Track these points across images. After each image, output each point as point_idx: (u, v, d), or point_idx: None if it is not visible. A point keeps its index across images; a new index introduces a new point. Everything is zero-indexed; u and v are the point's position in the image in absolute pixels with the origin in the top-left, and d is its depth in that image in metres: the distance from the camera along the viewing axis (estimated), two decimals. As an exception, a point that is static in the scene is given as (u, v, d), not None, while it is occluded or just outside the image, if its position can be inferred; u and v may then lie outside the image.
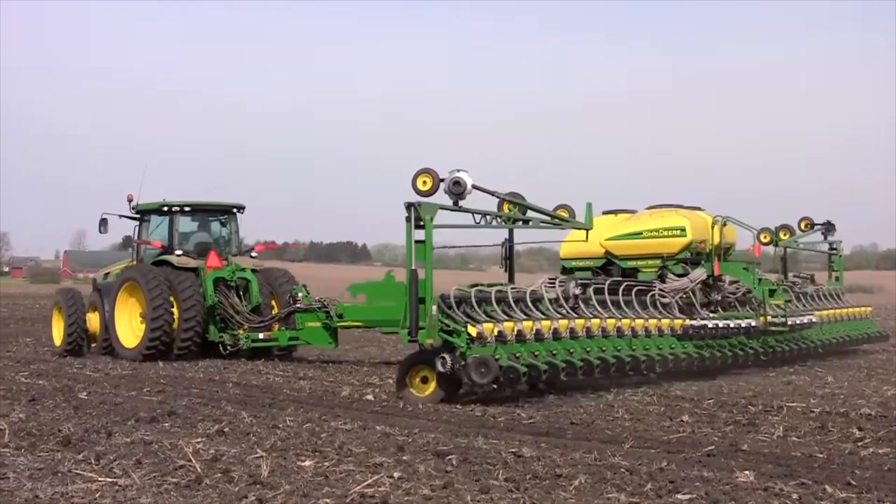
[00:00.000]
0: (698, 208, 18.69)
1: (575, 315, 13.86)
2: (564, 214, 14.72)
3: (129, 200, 20.52)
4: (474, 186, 12.80)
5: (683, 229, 17.85)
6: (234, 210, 20.97)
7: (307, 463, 8.19)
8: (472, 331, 12.29)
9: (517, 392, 13.09)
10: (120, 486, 7.40)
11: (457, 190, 12.67)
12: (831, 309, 20.46)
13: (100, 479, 7.62)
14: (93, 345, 20.20)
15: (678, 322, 15.41)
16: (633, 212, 19.69)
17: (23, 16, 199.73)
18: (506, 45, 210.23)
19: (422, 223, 12.30)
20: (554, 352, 12.98)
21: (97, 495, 7.14)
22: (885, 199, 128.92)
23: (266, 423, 10.45)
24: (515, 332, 12.75)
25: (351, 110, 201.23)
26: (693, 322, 15.54)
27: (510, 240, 15.27)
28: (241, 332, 18.80)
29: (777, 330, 17.27)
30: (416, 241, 12.30)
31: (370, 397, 12.98)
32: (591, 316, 14.08)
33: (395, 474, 7.70)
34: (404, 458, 8.48)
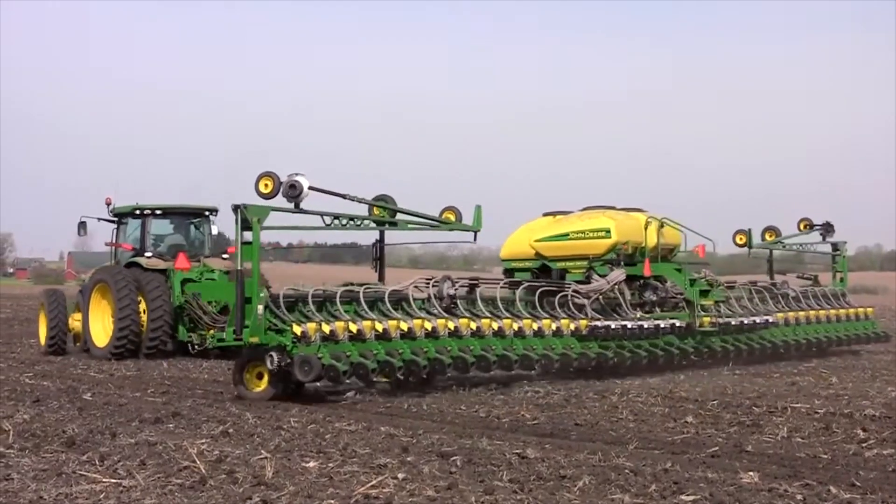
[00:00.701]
0: (638, 209, 18.76)
1: (444, 315, 14.26)
2: (451, 217, 15.16)
3: (108, 204, 21.27)
4: (311, 188, 13.20)
5: (608, 231, 17.94)
6: (207, 213, 21.55)
7: (311, 464, 8.20)
8: (297, 330, 12.70)
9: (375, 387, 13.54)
10: (124, 487, 7.41)
11: (292, 193, 13.12)
12: (813, 310, 20.26)
13: (104, 480, 7.63)
14: (77, 344, 20.61)
15: (583, 322, 15.56)
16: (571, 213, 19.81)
17: (23, 16, 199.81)
18: (506, 45, 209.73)
19: (249, 225, 12.73)
20: (400, 350, 13.31)
21: (101, 496, 7.15)
22: (890, 200, 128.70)
23: (270, 424, 10.47)
24: (350, 332, 13.14)
25: (351, 110, 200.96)
26: (596, 323, 15.67)
27: (380, 241, 15.68)
28: (208, 332, 19.07)
29: (708, 330, 17.29)
30: (244, 243, 12.70)
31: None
32: (466, 316, 14.43)
33: (400, 475, 7.70)
34: (408, 459, 8.48)
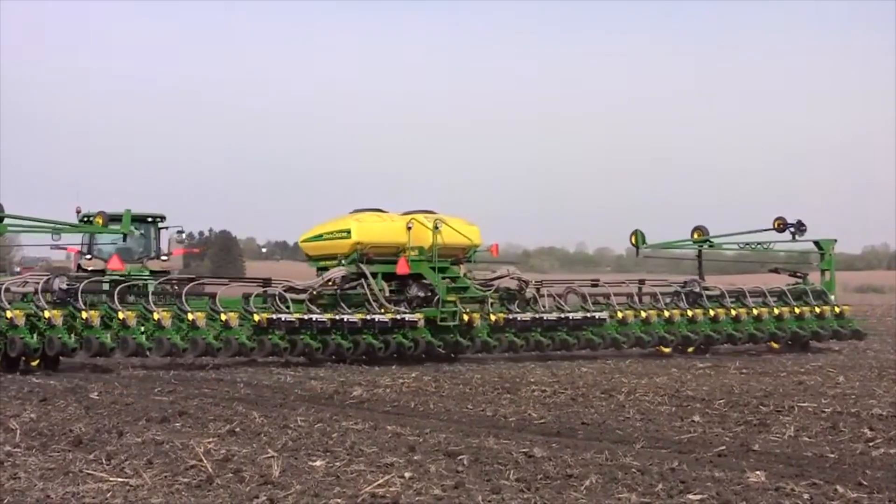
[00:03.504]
0: (429, 211, 19.69)
1: (46, 306, 15.96)
2: (100, 221, 17.36)
3: (78, 212, 23.28)
4: None
5: (349, 231, 19.18)
6: (151, 220, 24.39)
7: (318, 463, 8.20)
8: None
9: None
10: (131, 486, 7.41)
11: None
12: (744, 308, 20.89)
13: (111, 479, 7.64)
14: None
15: (265, 315, 17.04)
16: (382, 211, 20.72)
17: (23, 16, 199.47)
18: (506, 46, 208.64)
19: None
20: None
21: (108, 495, 7.15)
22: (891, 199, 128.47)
23: (277, 423, 10.48)
24: None
25: (351, 111, 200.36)
26: (272, 316, 17.14)
27: None
28: None
29: (447, 325, 18.60)
30: None
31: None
32: (82, 308, 16.10)
33: (407, 474, 7.70)
34: (415, 458, 8.48)
